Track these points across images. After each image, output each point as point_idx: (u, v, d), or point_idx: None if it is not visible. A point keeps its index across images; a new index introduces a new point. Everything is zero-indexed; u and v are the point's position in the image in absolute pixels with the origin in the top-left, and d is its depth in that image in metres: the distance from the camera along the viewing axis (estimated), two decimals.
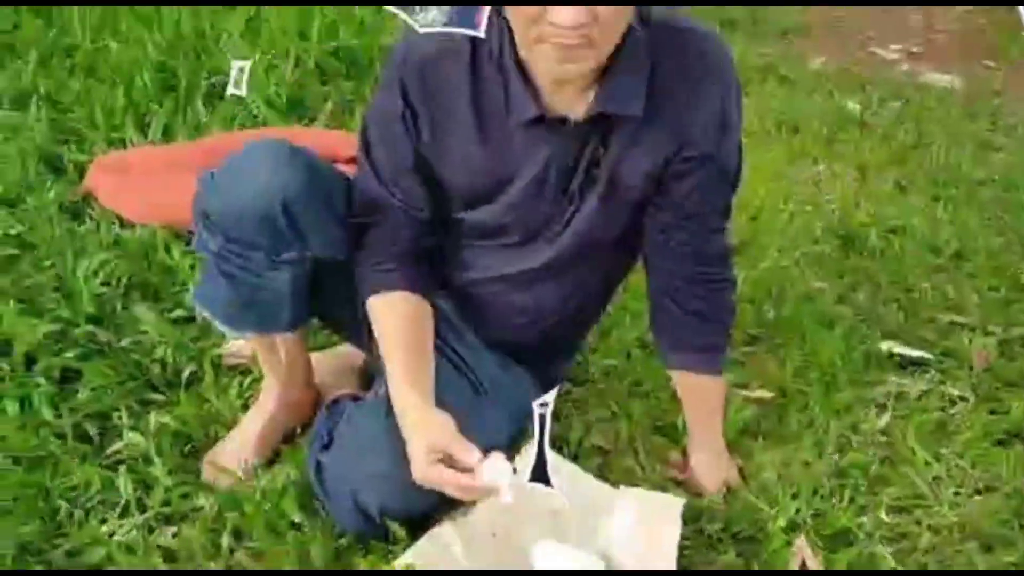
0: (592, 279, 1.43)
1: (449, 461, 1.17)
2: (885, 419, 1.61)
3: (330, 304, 1.45)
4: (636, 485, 1.41)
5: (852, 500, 1.43)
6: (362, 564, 1.26)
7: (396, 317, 1.30)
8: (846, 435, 1.58)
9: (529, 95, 1.20)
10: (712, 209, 1.31)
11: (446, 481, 1.16)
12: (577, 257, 1.36)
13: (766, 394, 1.69)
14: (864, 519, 1.40)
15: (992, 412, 1.65)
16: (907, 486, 1.47)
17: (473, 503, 1.30)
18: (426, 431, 1.19)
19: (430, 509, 1.28)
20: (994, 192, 2.63)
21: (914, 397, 1.68)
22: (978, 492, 1.47)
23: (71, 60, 2.82)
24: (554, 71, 1.15)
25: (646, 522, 1.30)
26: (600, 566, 1.26)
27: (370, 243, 1.33)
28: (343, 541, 1.31)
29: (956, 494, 1.46)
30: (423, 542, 1.27)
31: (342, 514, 1.29)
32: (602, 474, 1.46)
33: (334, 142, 2.14)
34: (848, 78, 3.48)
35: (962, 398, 1.69)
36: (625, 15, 1.11)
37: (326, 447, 1.34)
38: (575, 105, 1.21)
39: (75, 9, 2.96)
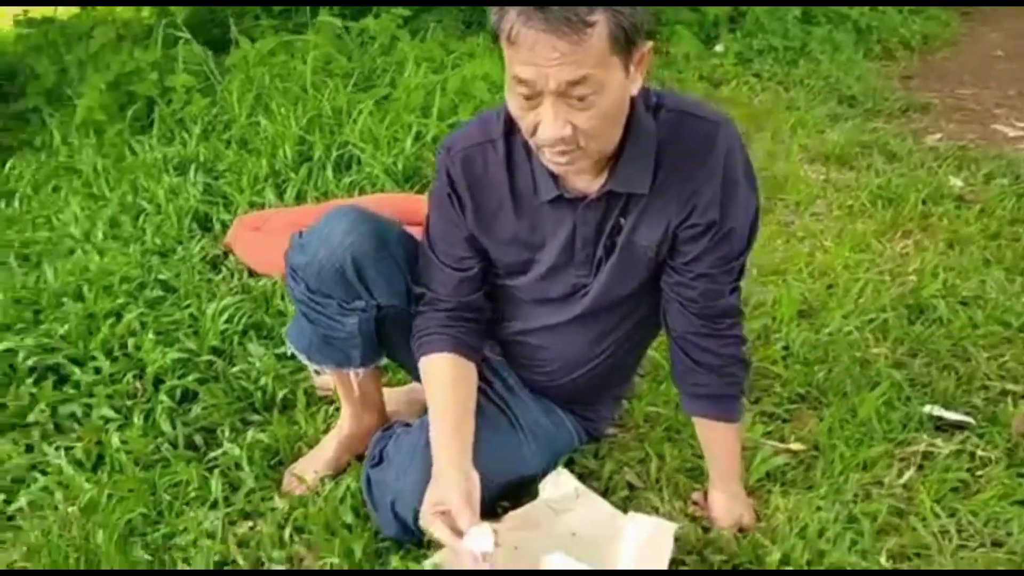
0: (618, 330, 1.60)
1: (450, 518, 1.37)
2: (908, 475, 1.68)
3: (396, 348, 1.69)
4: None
5: (855, 543, 1.51)
6: (396, 562, 1.47)
7: (440, 380, 1.52)
8: (867, 487, 1.66)
9: (550, 177, 1.42)
10: (719, 271, 1.46)
11: (439, 535, 1.37)
12: (602, 310, 1.55)
13: (799, 446, 1.79)
14: (863, 563, 1.48)
15: (1020, 475, 1.68)
16: (913, 536, 1.54)
17: (500, 518, 1.50)
18: (441, 487, 1.40)
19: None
20: None
21: (943, 456, 1.73)
22: (982, 546, 1.52)
23: (228, 133, 3.27)
24: (556, 169, 1.37)
25: (646, 545, 1.45)
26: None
27: (424, 308, 1.56)
28: (385, 543, 1.53)
29: (961, 547, 1.52)
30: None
31: (384, 520, 1.52)
32: (626, 506, 1.62)
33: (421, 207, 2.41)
34: (959, 155, 3.48)
35: (993, 461, 1.73)
36: (607, 121, 1.30)
37: (376, 464, 1.57)
38: (591, 184, 1.43)
39: (235, 89, 3.43)
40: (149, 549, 1.54)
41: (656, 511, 1.62)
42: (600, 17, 1.20)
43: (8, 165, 3.34)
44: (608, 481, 1.69)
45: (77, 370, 1.99)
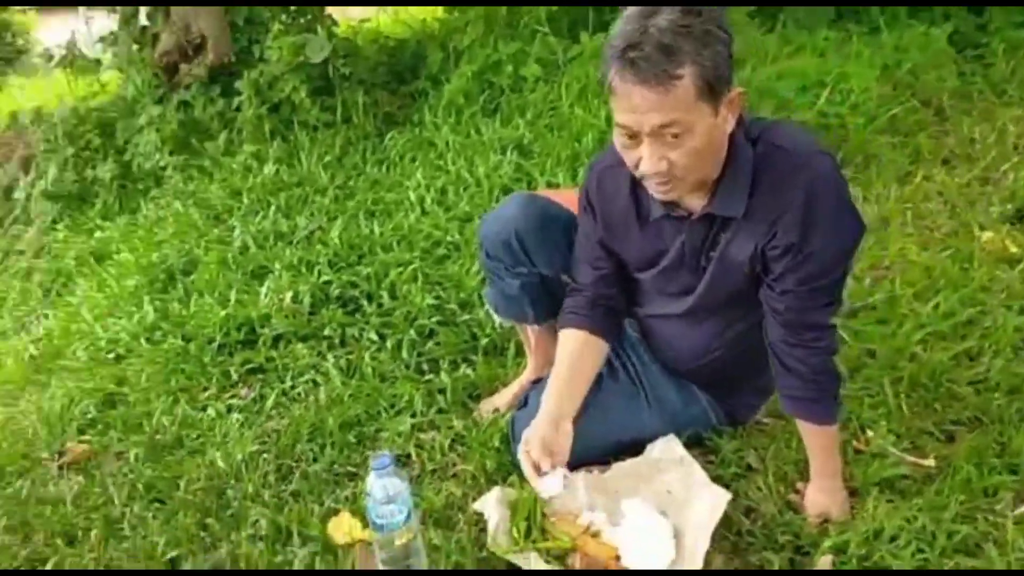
0: (730, 329, 1.81)
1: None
2: (1021, 510, 1.65)
3: None
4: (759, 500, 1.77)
5: (919, 552, 1.57)
6: (515, 481, 1.84)
7: (568, 350, 1.84)
8: (973, 510, 1.67)
9: (658, 200, 1.67)
10: (804, 289, 1.60)
11: (524, 469, 1.68)
12: (708, 310, 1.78)
13: (929, 462, 1.82)
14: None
15: None
16: (982, 562, 1.54)
17: (609, 466, 1.81)
18: (532, 431, 1.72)
19: (575, 461, 1.79)
20: None
21: None
22: None
23: (551, 119, 3.76)
24: (658, 196, 1.62)
25: (706, 511, 1.67)
26: (665, 527, 1.67)
27: (571, 292, 1.90)
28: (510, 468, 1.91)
29: None
30: None
31: (515, 451, 1.89)
32: (732, 482, 1.82)
33: None
34: None
35: None
36: (699, 156, 1.52)
37: (522, 407, 1.95)
38: (697, 204, 1.66)
39: (571, 80, 3.90)
40: (361, 437, 2.09)
41: (758, 491, 1.80)
42: (686, 71, 1.43)
43: (388, 136, 4.16)
44: (726, 459, 1.89)
45: (366, 303, 2.62)
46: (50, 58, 4.65)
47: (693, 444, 1.91)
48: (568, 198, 2.05)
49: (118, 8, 4.53)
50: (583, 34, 4.28)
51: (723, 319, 1.80)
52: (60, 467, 2.12)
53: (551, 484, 1.65)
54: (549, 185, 3.32)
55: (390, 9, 5.87)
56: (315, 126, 4.18)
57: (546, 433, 1.71)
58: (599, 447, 1.85)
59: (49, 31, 7.80)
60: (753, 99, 3.47)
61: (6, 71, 7.71)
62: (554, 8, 4.61)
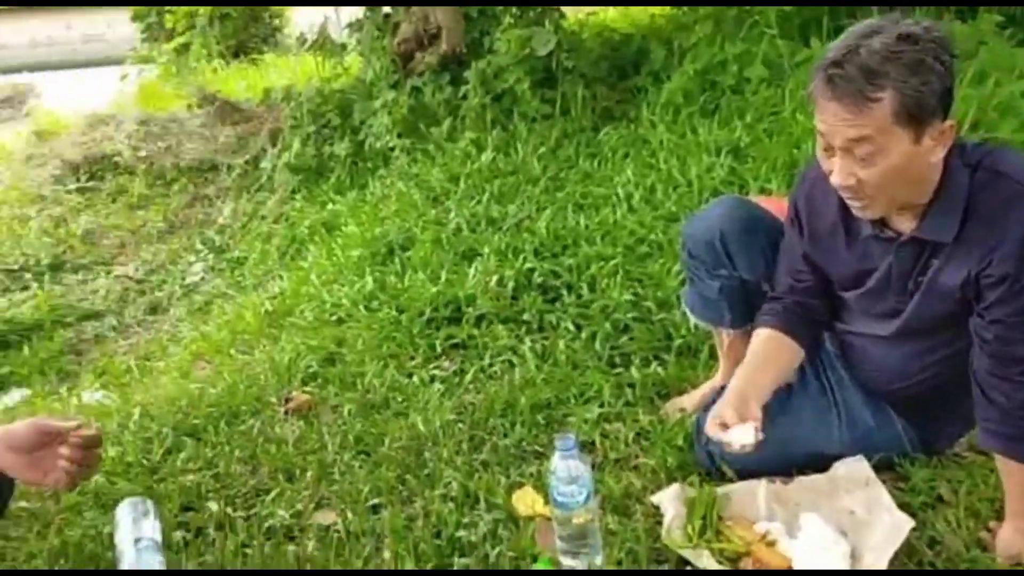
0: (934, 354, 1.76)
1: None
2: None
3: None
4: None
5: None
6: (695, 481, 1.88)
7: (761, 345, 1.85)
8: None
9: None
10: (1014, 320, 1.55)
11: (709, 431, 1.70)
12: (914, 334, 1.74)
13: None
14: None
15: None
16: None
17: (792, 478, 1.82)
18: (722, 402, 1.74)
19: (752, 463, 1.82)
20: None
21: None
22: None
23: (769, 123, 3.71)
24: (854, 211, 1.61)
25: (885, 533, 1.64)
26: (843, 546, 1.66)
27: (769, 299, 1.91)
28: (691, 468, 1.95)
29: None
30: (739, 484, 1.84)
31: (698, 452, 1.95)
32: (919, 511, 1.78)
33: None
34: None
35: None
36: (890, 179, 1.50)
37: (708, 410, 1.98)
38: (907, 226, 1.63)
39: (796, 84, 3.83)
40: (550, 419, 2.20)
41: (946, 524, 1.75)
42: (886, 95, 1.44)
43: (604, 131, 4.24)
44: (916, 487, 1.84)
45: (565, 292, 2.73)
46: (304, 42, 5.09)
47: (883, 468, 1.87)
48: (779, 207, 2.06)
49: None
50: (813, 39, 4.18)
51: (928, 343, 1.75)
52: (285, 412, 2.37)
53: (742, 433, 1.64)
54: (762, 191, 3.29)
55: None
56: (534, 117, 4.33)
57: (734, 403, 1.71)
58: (784, 457, 1.86)
59: (301, 13, 8.50)
60: (992, 118, 3.27)
61: (262, 49, 8.44)
62: (787, 8, 4.52)
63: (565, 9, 4.91)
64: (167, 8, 7.63)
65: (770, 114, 3.82)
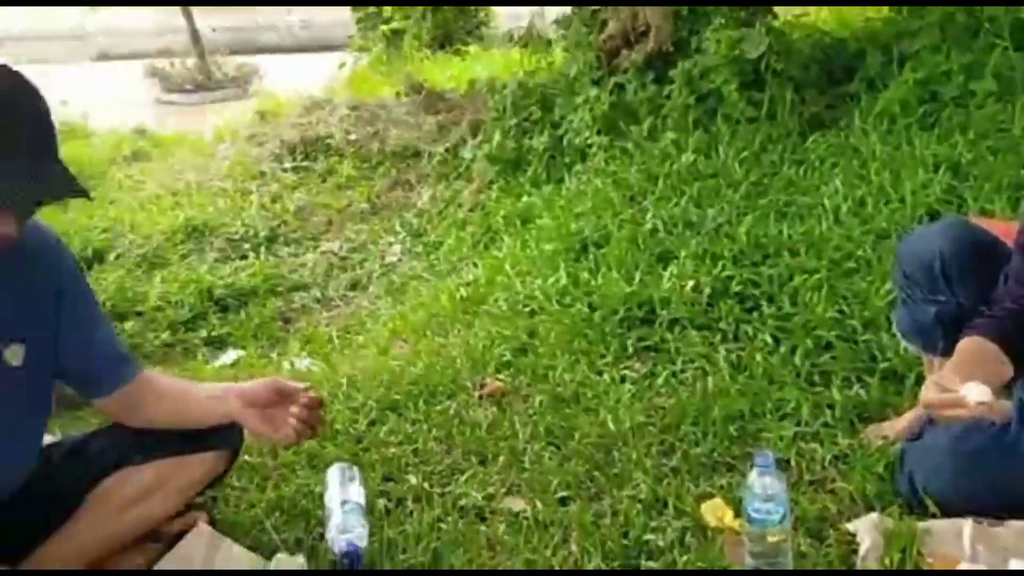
0: None
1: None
2: None
3: None
4: None
5: None
6: (894, 512, 1.80)
7: (966, 346, 1.72)
8: None
9: None
10: None
11: (929, 395, 1.59)
12: None
13: None
14: None
15: None
16: None
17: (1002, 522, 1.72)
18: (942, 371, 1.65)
19: (959, 500, 1.74)
20: None
21: None
22: None
23: (993, 140, 3.47)
24: None
25: None
26: None
27: (986, 314, 1.77)
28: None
29: None
30: (943, 521, 1.76)
31: (901, 482, 1.87)
32: None
33: None
34: None
35: None
36: None
37: (914, 439, 1.89)
38: None
39: None
40: (743, 433, 2.17)
41: None
42: None
43: (811, 138, 4.09)
44: None
45: (765, 303, 2.69)
46: (511, 37, 5.21)
47: None
48: (1006, 231, 1.94)
49: None
50: None
51: None
52: (480, 397, 2.46)
53: (977, 389, 1.52)
54: (982, 212, 3.08)
55: None
56: (738, 120, 4.24)
57: (956, 370, 1.60)
58: (997, 496, 1.75)
59: (506, 9, 8.72)
60: None
61: (467, 41, 8.69)
62: (1022, 15, 4.20)
63: (776, 9, 4.77)
64: None
65: (997, 130, 3.56)
